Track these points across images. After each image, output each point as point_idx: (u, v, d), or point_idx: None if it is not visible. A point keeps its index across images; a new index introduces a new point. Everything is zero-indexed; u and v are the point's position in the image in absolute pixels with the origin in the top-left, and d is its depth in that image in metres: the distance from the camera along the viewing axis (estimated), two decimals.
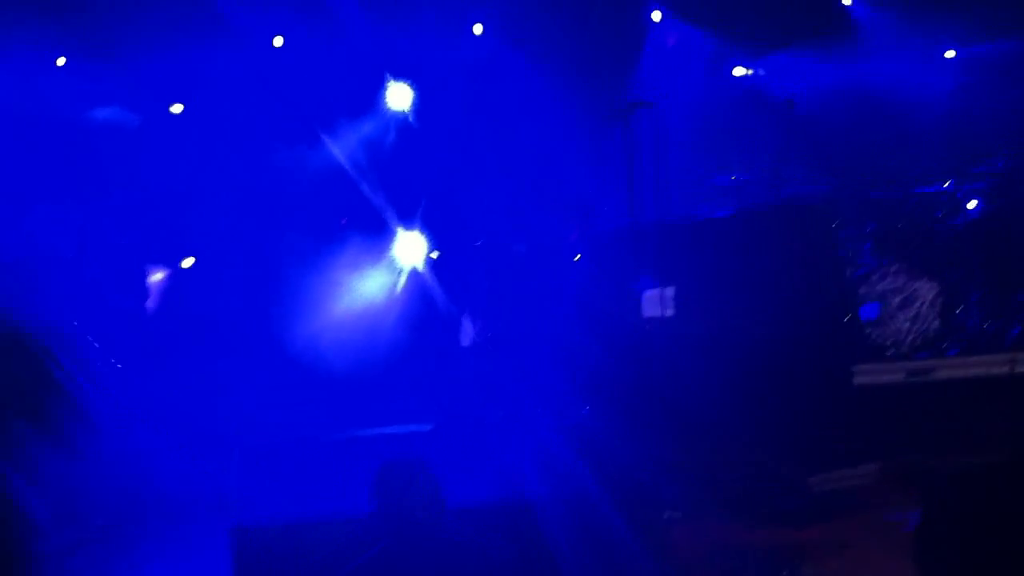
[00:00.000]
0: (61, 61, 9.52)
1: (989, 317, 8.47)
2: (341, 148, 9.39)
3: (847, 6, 11.22)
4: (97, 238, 8.93)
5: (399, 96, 9.82)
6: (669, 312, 7.88)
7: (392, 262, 9.05)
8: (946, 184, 9.10)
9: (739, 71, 11.51)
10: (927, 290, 8.23)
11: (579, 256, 8.60)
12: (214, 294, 9.10)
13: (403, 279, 9.02)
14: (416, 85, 9.89)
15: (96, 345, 6.93)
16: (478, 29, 10.53)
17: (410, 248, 9.09)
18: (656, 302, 7.87)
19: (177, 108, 9.85)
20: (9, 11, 8.75)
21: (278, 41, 9.95)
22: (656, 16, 11.31)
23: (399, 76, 9.86)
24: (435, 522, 4.03)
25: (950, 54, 10.85)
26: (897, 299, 8.22)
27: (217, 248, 9.39)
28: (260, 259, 9.17)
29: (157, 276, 8.94)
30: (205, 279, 9.26)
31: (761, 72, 11.49)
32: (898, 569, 4.78)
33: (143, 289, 8.93)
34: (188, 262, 9.46)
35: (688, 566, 5.33)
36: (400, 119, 9.90)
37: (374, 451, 7.03)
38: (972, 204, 9.05)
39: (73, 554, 6.45)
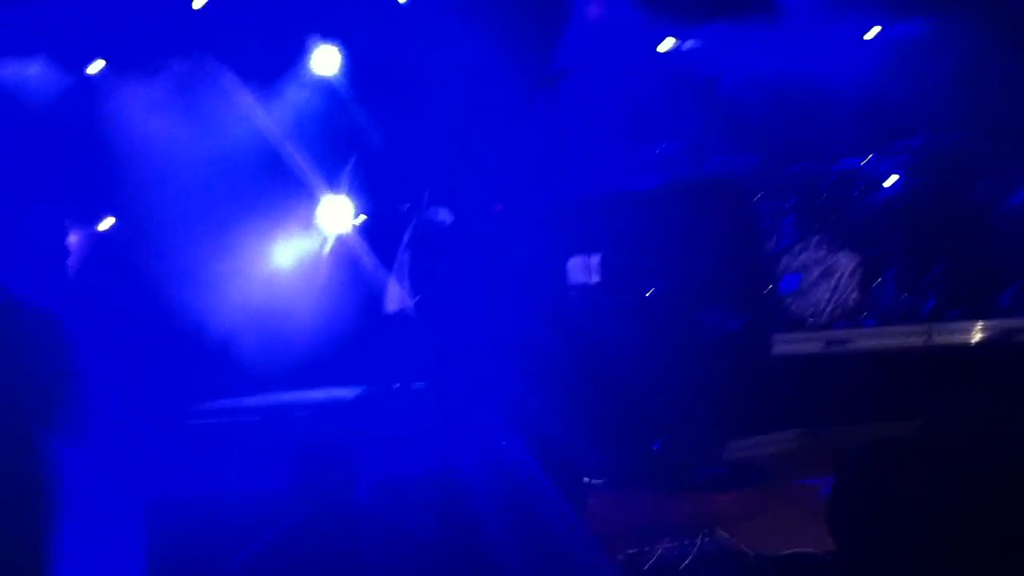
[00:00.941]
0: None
1: (906, 290, 8.65)
2: (267, 111, 9.23)
3: None
4: (17, 198, 8.69)
5: (326, 59, 9.67)
6: (594, 279, 7.91)
7: (318, 227, 8.95)
8: (865, 160, 9.25)
9: (665, 45, 11.53)
10: (846, 263, 8.38)
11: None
12: (134, 257, 8.91)
13: (328, 244, 8.92)
14: (344, 48, 9.75)
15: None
16: None
17: (337, 212, 8.99)
18: (581, 269, 7.90)
19: (96, 66, 9.59)
20: None
21: (198, 2, 9.72)
22: None
23: (327, 38, 9.71)
24: (350, 494, 4.00)
25: (872, 32, 10.99)
26: (817, 271, 8.36)
27: (136, 212, 9.18)
28: (181, 224, 8.98)
29: (73, 238, 8.73)
30: (123, 242, 9.07)
31: (687, 46, 11.52)
32: (812, 534, 4.88)
33: (64, 252, 8.73)
34: (107, 223, 9.25)
35: (606, 532, 5.38)
36: (327, 83, 9.75)
37: (296, 421, 6.97)
38: (891, 180, 9.22)
39: None
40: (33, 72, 9.22)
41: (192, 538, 4.36)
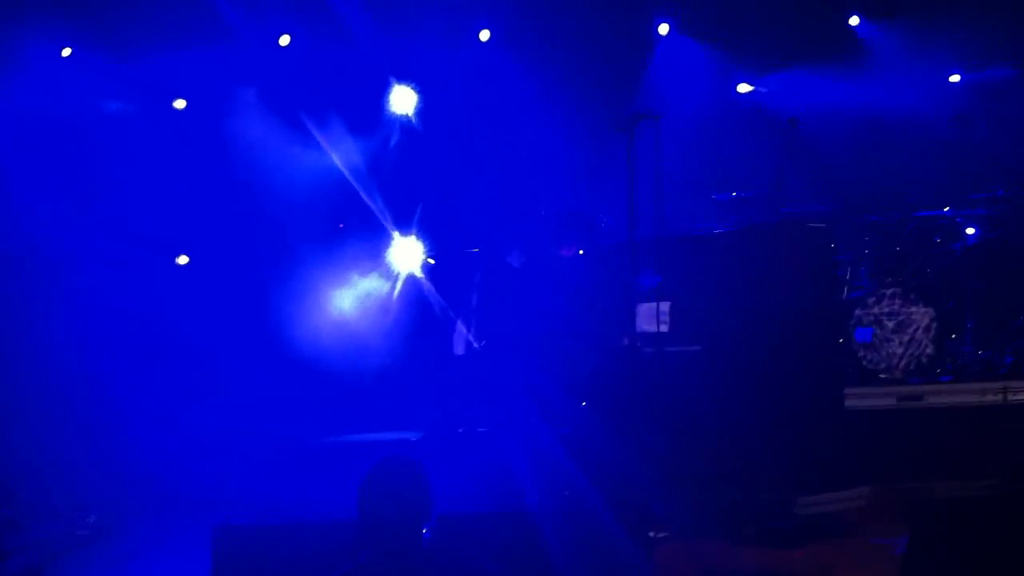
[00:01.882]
0: (66, 52, 9.50)
1: (983, 345, 8.47)
2: (342, 151, 9.36)
3: (854, 27, 11.23)
4: (99, 235, 8.92)
5: (403, 100, 9.80)
6: (664, 327, 7.85)
7: (388, 267, 9.02)
8: (945, 209, 9.10)
9: (743, 88, 11.52)
10: (922, 315, 8.22)
11: (578, 266, 8.59)
12: (210, 295, 9.07)
13: (399, 284, 8.98)
14: (420, 89, 9.87)
15: None
16: (484, 35, 10.53)
17: (406, 253, 9.05)
18: (651, 316, 7.84)
19: (180, 104, 9.83)
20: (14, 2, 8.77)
21: (284, 40, 9.93)
22: (663, 29, 11.32)
23: (403, 79, 9.84)
24: (420, 530, 3.98)
25: (954, 79, 10.86)
26: (892, 323, 8.21)
27: (215, 248, 9.36)
28: (257, 261, 9.14)
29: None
30: (201, 280, 9.24)
31: (765, 89, 11.50)
32: None
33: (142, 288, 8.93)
34: (182, 260, 9.43)
35: None
36: (403, 123, 9.87)
37: (363, 458, 6.98)
38: (970, 231, 9.06)
39: (62, 551, 6.44)
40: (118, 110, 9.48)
41: (256, 566, 4.38)
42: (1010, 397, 7.61)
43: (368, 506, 3.95)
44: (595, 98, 10.58)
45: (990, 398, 7.63)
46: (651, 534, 6.11)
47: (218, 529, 4.60)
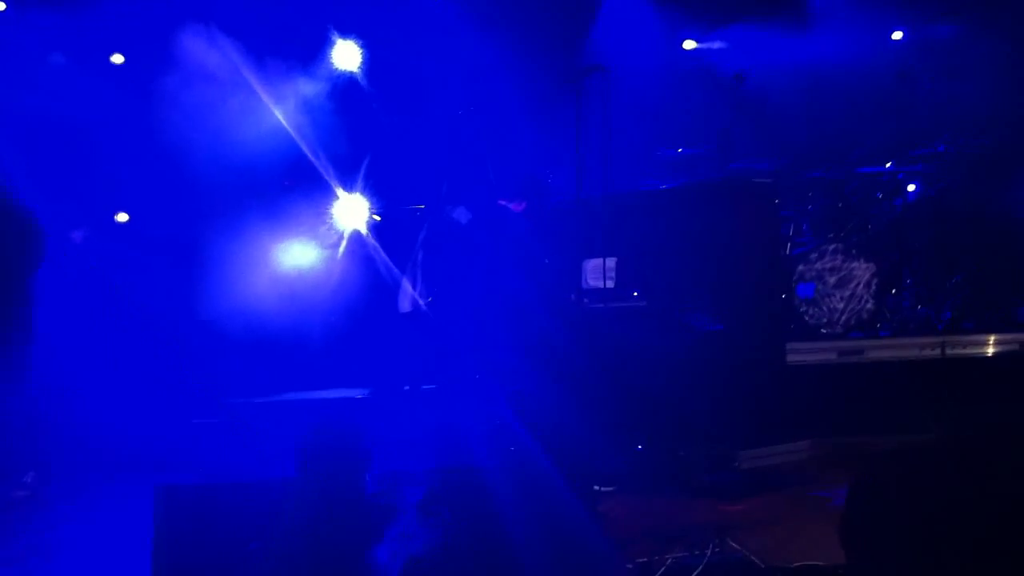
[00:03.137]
0: (1, 7, 9.24)
1: (922, 300, 8.60)
2: (284, 107, 9.22)
3: None
4: (37, 193, 8.72)
5: (346, 55, 9.65)
6: (610, 283, 7.88)
7: (333, 224, 8.93)
8: (887, 165, 9.19)
9: (689, 44, 11.51)
10: (863, 271, 8.33)
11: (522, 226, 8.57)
12: (151, 254, 8.93)
13: (344, 242, 8.91)
14: (364, 44, 9.73)
15: None
16: None
17: (351, 210, 8.97)
18: (598, 272, 7.86)
19: (118, 59, 9.60)
20: None
21: None
22: None
23: (346, 34, 9.69)
24: (361, 485, 3.99)
25: (897, 36, 10.93)
26: (834, 279, 8.31)
27: (155, 207, 9.20)
28: (199, 219, 9.00)
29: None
30: (141, 238, 9.09)
31: (711, 46, 11.49)
32: (825, 545, 4.85)
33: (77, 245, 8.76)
34: (122, 217, 9.26)
35: (620, 539, 5.35)
36: (345, 79, 9.73)
37: (308, 415, 6.97)
38: (911, 187, 9.17)
39: None
40: (58, 65, 9.25)
41: (199, 525, 4.36)
42: (948, 352, 7.76)
43: (307, 463, 3.96)
44: (543, 54, 10.52)
45: (928, 353, 7.77)
46: (596, 488, 6.17)
47: (160, 489, 4.56)
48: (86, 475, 6.87)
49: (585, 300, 7.68)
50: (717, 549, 5.03)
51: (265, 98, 8.97)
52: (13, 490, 6.85)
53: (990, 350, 7.85)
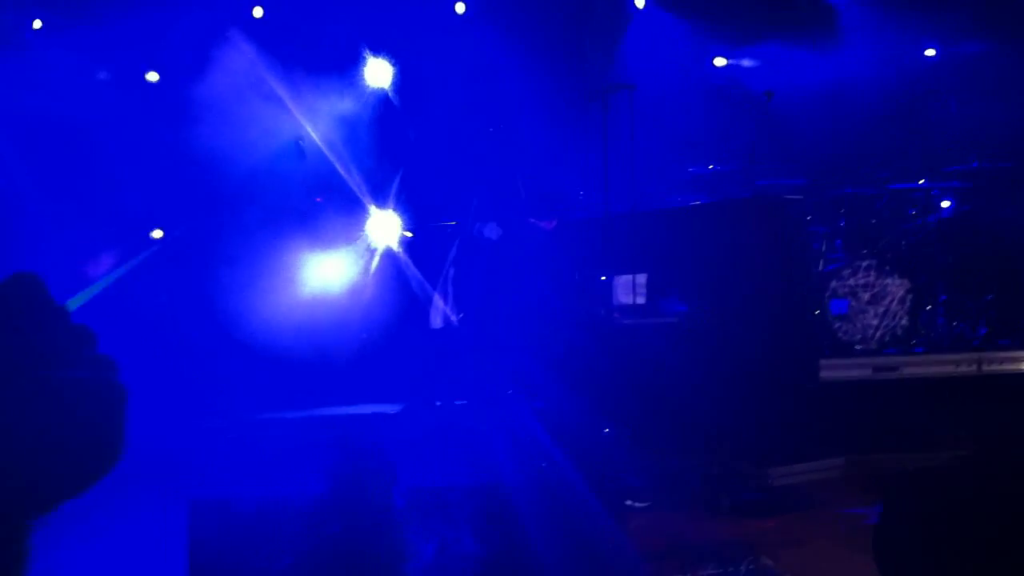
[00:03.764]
0: (37, 24, 9.39)
1: (957, 317, 8.53)
2: (318, 125, 9.30)
3: (830, 2, 11.24)
4: (70, 211, 8.82)
5: (378, 73, 9.73)
6: (640, 299, 7.87)
7: (365, 241, 8.98)
8: (920, 182, 9.14)
9: (719, 61, 11.51)
10: (897, 287, 8.27)
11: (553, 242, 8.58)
12: (186, 269, 9.01)
13: (376, 258, 8.96)
14: (396, 62, 9.80)
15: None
16: (460, 8, 10.47)
17: (384, 227, 9.02)
18: (628, 288, 7.86)
19: (153, 77, 9.73)
20: None
21: (257, 12, 9.84)
22: (640, 2, 11.30)
23: (379, 52, 9.77)
24: (388, 503, 4.01)
25: (929, 53, 10.89)
26: (867, 295, 8.26)
27: (190, 224, 9.29)
28: (234, 235, 9.08)
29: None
30: (177, 254, 9.17)
31: (741, 63, 11.49)
32: (857, 564, 4.80)
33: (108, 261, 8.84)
34: (157, 234, 9.36)
35: (650, 555, 5.33)
36: (378, 96, 9.81)
37: (338, 431, 6.99)
38: (945, 203, 9.10)
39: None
40: (92, 80, 9.37)
41: (232, 539, 4.39)
42: (983, 368, 7.68)
43: (334, 479, 3.98)
44: (571, 72, 10.56)
45: (964, 369, 7.69)
46: (628, 503, 6.15)
47: (194, 503, 4.59)
48: (117, 489, 6.91)
49: (616, 316, 7.68)
50: (751, 566, 5.00)
51: (298, 115, 9.06)
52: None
53: None
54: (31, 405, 1.16)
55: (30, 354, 1.19)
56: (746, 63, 11.48)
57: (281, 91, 9.00)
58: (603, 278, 7.97)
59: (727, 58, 11.53)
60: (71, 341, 1.29)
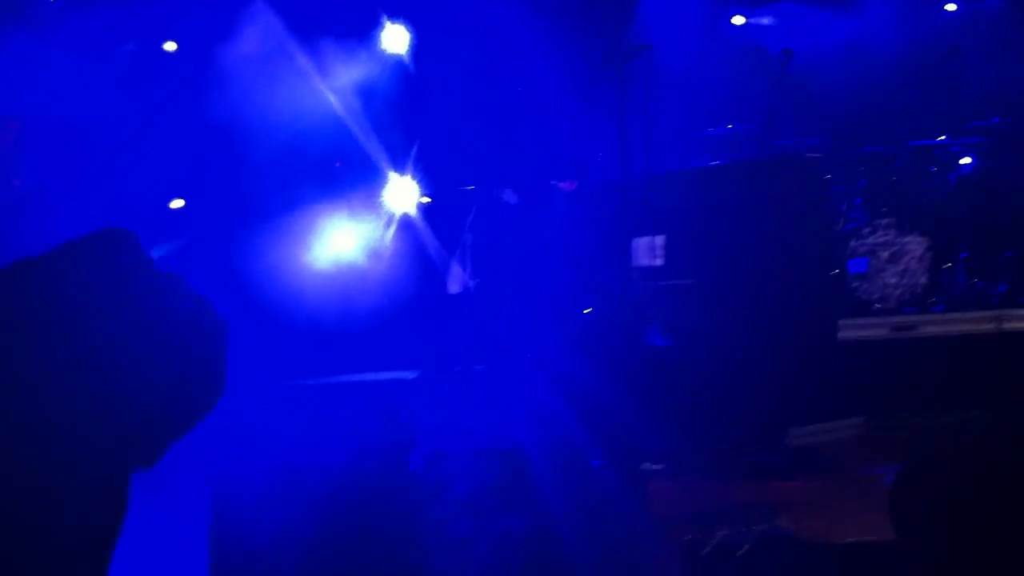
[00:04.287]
0: None
1: (977, 275, 8.48)
2: (336, 90, 9.29)
3: None
4: (89, 178, 8.86)
5: (395, 38, 9.70)
6: (659, 261, 7.86)
7: (383, 207, 8.99)
8: (941, 138, 9.06)
9: (737, 20, 11.41)
10: (916, 246, 8.22)
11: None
12: (203, 236, 9.04)
13: (394, 224, 8.97)
14: (412, 27, 9.77)
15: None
16: None
17: (402, 193, 9.02)
18: (647, 250, 7.85)
19: (171, 46, 9.71)
20: None
21: None
22: None
23: (395, 18, 9.73)
24: (405, 466, 4.05)
25: (951, 7, 10.76)
26: (886, 254, 8.22)
27: (209, 190, 9.32)
28: (251, 201, 9.10)
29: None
30: (193, 222, 9.21)
31: (759, 22, 11.39)
32: (875, 524, 4.82)
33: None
34: (178, 203, 9.38)
35: (667, 518, 5.36)
36: (395, 62, 9.78)
37: (356, 398, 7.03)
38: (965, 160, 9.03)
39: None
40: (110, 51, 9.37)
41: (254, 506, 4.45)
42: (1004, 326, 7.65)
43: (352, 444, 4.03)
44: (588, 32, 10.49)
45: (983, 327, 7.66)
46: (643, 466, 6.18)
47: (215, 471, 4.65)
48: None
49: (634, 278, 7.67)
50: (767, 527, 5.02)
51: (317, 80, 9.05)
52: None
53: None
54: (145, 337, 1.17)
55: (140, 291, 1.21)
56: (764, 21, 11.38)
57: (300, 57, 8.98)
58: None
59: (745, 16, 11.43)
60: (169, 281, 1.32)
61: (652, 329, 7.39)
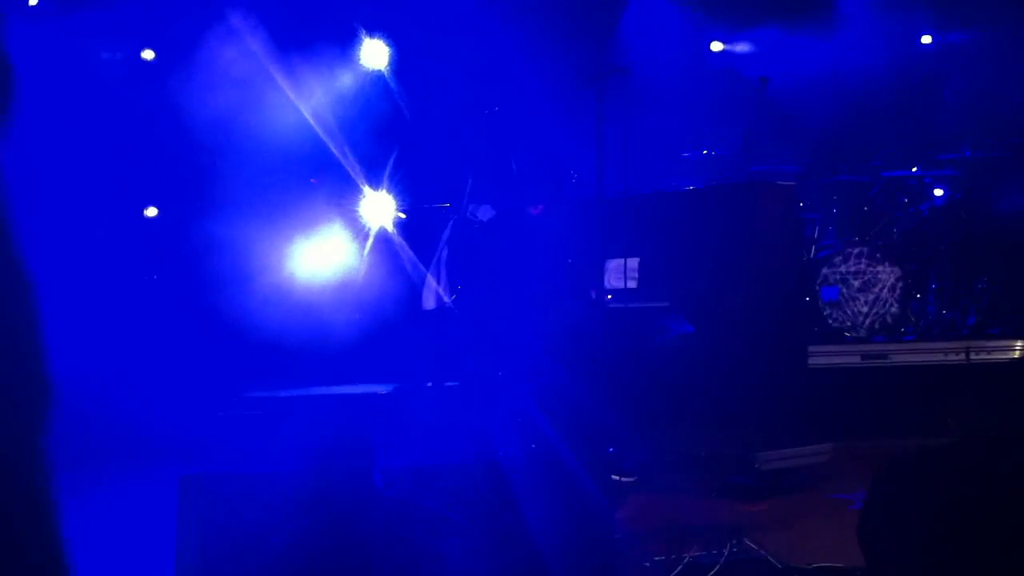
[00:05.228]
0: (33, 1, 9.33)
1: (947, 305, 8.57)
2: (312, 105, 9.28)
3: None
4: (57, 188, 8.80)
5: (374, 54, 9.72)
6: (632, 283, 7.89)
7: (359, 222, 8.99)
8: (913, 169, 9.16)
9: (716, 46, 11.51)
10: (888, 275, 8.30)
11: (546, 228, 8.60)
12: (176, 247, 9.01)
13: (370, 240, 8.97)
14: (391, 43, 9.79)
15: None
16: None
17: (377, 208, 9.03)
18: (619, 272, 7.87)
19: (149, 55, 9.68)
20: None
21: None
22: None
23: (373, 32, 9.75)
24: (370, 482, 4.03)
25: (926, 40, 10.90)
26: (858, 282, 8.29)
27: (183, 202, 9.28)
28: (226, 214, 9.07)
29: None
30: (167, 233, 9.17)
31: (736, 48, 11.49)
32: (843, 546, 4.84)
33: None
34: (151, 212, 9.34)
35: (635, 533, 5.36)
36: (373, 77, 9.80)
37: (332, 410, 7.02)
38: (938, 192, 9.14)
39: None
40: (85, 60, 9.33)
41: (222, 515, 4.42)
42: (972, 357, 7.73)
43: (312, 457, 4.01)
44: (567, 53, 10.55)
45: (953, 358, 7.74)
46: (616, 477, 6.19)
47: (184, 479, 4.61)
48: (109, 467, 6.94)
49: (607, 299, 7.69)
50: (735, 548, 5.03)
51: (292, 95, 9.04)
52: None
53: (1016, 355, 7.82)
54: None
55: None
56: (742, 48, 11.48)
57: (276, 71, 8.98)
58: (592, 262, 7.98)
59: (724, 43, 11.53)
60: None
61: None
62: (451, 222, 8.69)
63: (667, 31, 11.24)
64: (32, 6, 9.27)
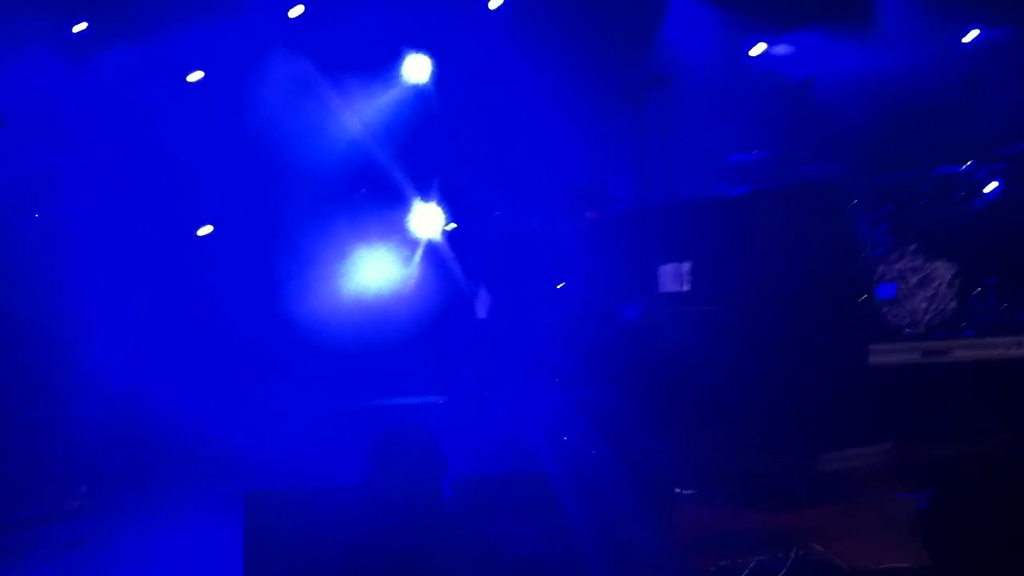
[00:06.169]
0: (81, 27, 9.52)
1: (1005, 300, 8.44)
2: (361, 119, 9.39)
3: None
4: (121, 210, 8.97)
5: (417, 68, 9.82)
6: (686, 287, 7.87)
7: (409, 234, 9.06)
8: (965, 166, 9.05)
9: (756, 50, 11.45)
10: (944, 271, 8.19)
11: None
12: (233, 264, 9.14)
13: (419, 251, 9.03)
14: (434, 57, 9.88)
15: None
16: (494, 2, 10.50)
17: (427, 220, 9.09)
18: (674, 276, 7.86)
19: (195, 76, 9.84)
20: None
21: (297, 10, 9.93)
22: None
23: (417, 48, 9.85)
24: (436, 493, 4.04)
25: (972, 35, 10.78)
26: (915, 279, 8.19)
27: (234, 219, 9.42)
28: (279, 229, 9.19)
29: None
30: (224, 249, 9.29)
31: (778, 52, 11.44)
32: (908, 549, 4.78)
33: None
34: (205, 230, 9.48)
35: (695, 544, 5.33)
36: (418, 91, 9.89)
37: (387, 423, 7.05)
38: (991, 187, 9.01)
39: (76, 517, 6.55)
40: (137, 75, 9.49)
41: (288, 530, 4.47)
42: None
43: (383, 470, 4.02)
44: (607, 63, 10.57)
45: (1013, 351, 7.62)
46: (675, 491, 6.16)
47: (250, 495, 4.67)
48: (174, 484, 7.04)
49: (661, 305, 7.68)
50: (801, 553, 4.99)
51: (342, 111, 9.15)
52: (67, 501, 7.03)
53: None
54: None
55: None
56: (782, 50, 11.43)
57: (325, 89, 9.09)
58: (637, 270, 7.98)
59: (764, 44, 11.48)
60: None
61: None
62: (501, 232, 8.73)
63: (706, 36, 11.22)
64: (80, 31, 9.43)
